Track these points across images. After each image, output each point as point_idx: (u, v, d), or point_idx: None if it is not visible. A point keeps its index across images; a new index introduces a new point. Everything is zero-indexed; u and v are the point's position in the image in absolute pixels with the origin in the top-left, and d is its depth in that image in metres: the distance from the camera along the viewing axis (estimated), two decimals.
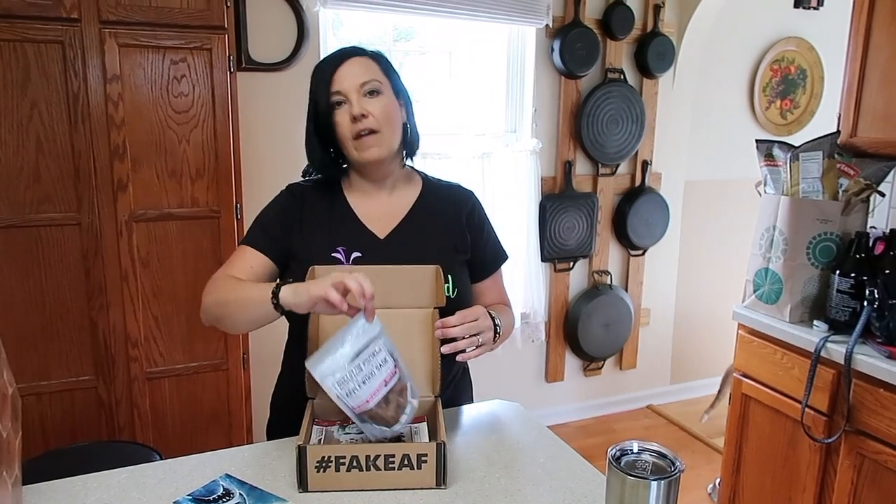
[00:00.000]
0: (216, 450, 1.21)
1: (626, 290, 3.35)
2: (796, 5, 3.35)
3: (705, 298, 3.61)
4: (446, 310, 1.20)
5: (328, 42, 2.60)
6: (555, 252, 3.12)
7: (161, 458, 1.53)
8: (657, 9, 3.05)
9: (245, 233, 1.39)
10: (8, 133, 1.85)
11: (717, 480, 2.80)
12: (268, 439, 1.43)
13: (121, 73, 1.92)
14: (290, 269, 1.32)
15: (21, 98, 1.85)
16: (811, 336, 1.87)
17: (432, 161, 2.75)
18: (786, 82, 3.51)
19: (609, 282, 3.29)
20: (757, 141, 2.10)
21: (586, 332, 3.24)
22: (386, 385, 1.06)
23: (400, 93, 1.34)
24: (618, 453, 0.85)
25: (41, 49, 1.85)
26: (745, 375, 2.14)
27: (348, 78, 1.26)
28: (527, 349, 3.19)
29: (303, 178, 1.44)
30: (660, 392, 3.61)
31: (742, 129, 3.47)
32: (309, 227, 1.34)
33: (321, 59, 1.34)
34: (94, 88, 1.91)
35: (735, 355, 2.18)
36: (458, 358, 1.19)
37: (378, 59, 1.32)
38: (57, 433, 2.04)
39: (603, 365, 3.41)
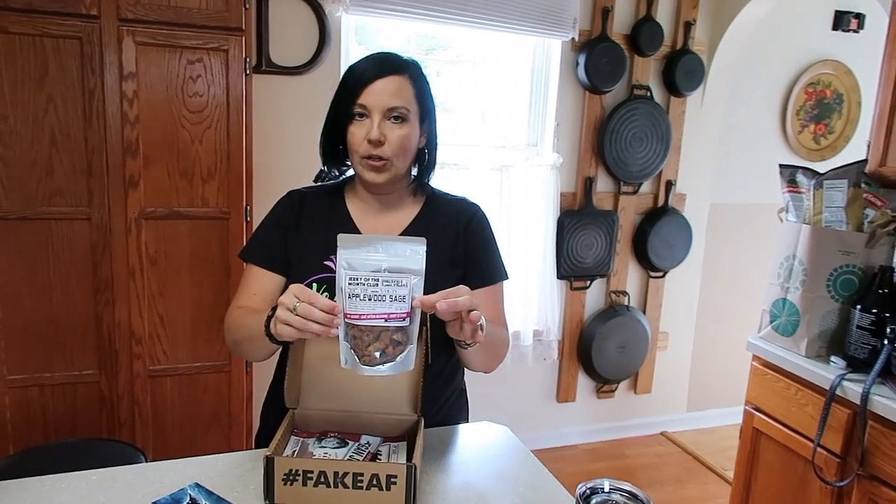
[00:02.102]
0: (215, 453, 1.21)
1: (644, 313, 3.27)
2: (835, 27, 3.27)
3: (726, 325, 3.50)
4: (434, 325, 1.16)
5: (350, 48, 2.59)
6: (571, 270, 3.06)
7: (145, 460, 1.52)
8: (688, 26, 2.99)
9: (248, 240, 1.38)
10: (23, 126, 1.87)
11: None
12: (255, 447, 1.41)
13: (137, 70, 1.93)
14: (288, 278, 1.31)
15: (38, 92, 1.87)
16: (827, 372, 1.78)
17: (449, 171, 2.73)
18: (821, 106, 3.40)
19: (626, 303, 3.21)
20: (780, 166, 2.03)
21: (601, 353, 3.16)
22: (386, 321, 0.96)
23: (425, 119, 1.29)
24: (587, 491, 0.80)
25: (59, 44, 1.87)
26: (756, 409, 2.05)
27: (378, 96, 1.21)
28: (538, 367, 3.13)
29: (309, 185, 1.42)
30: (675, 419, 3.51)
31: (772, 152, 3.37)
32: (304, 233, 1.32)
33: (358, 60, 1.27)
34: (110, 85, 1.92)
35: (748, 387, 2.10)
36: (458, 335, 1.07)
37: (415, 80, 1.26)
38: (58, 426, 2.05)
39: (616, 388, 3.33)
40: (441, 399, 1.35)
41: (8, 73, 1.84)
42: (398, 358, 0.98)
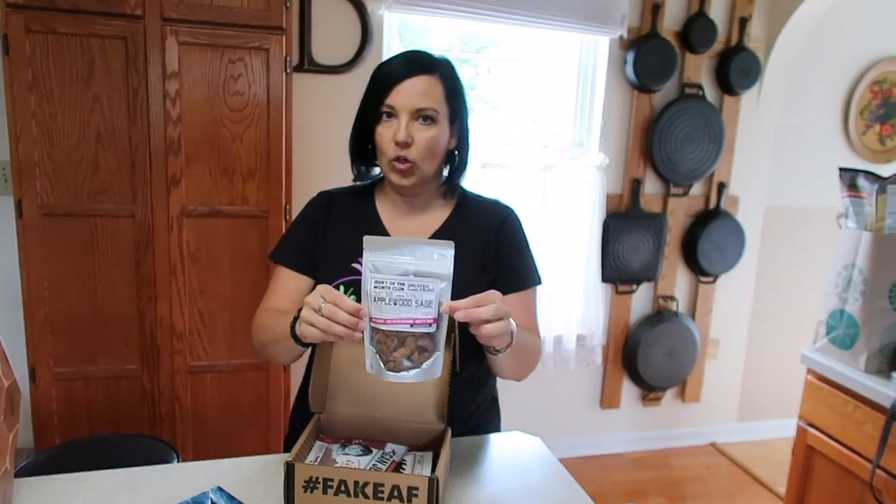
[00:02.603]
0: (252, 452, 1.22)
1: (693, 319, 3.16)
2: None
3: (781, 334, 3.35)
4: (463, 331, 1.12)
5: (392, 46, 2.57)
6: (617, 273, 2.97)
7: (177, 459, 1.52)
8: (743, 21, 2.86)
9: (278, 241, 1.37)
10: (70, 125, 1.91)
11: None
12: (284, 450, 1.40)
13: (179, 70, 1.95)
14: (316, 280, 1.29)
15: (84, 91, 1.90)
16: (888, 389, 1.67)
17: (492, 171, 2.68)
18: (887, 105, 3.22)
19: (675, 308, 3.10)
20: (840, 169, 1.91)
21: (647, 359, 3.07)
22: (411, 326, 0.93)
23: (456, 119, 1.26)
24: None
25: (105, 44, 1.90)
26: (811, 425, 1.94)
27: (406, 96, 1.18)
28: (581, 373, 3.06)
29: (340, 186, 1.40)
30: (725, 429, 3.38)
31: (833, 153, 3.20)
32: (333, 235, 1.30)
33: (388, 58, 1.25)
34: (154, 84, 1.94)
35: (802, 401, 1.99)
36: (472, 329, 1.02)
37: (446, 79, 1.22)
38: (102, 418, 2.09)
39: (663, 395, 3.22)
40: (471, 407, 1.31)
41: (56, 73, 1.88)
42: (424, 365, 0.95)
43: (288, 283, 1.29)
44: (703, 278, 3.14)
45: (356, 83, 2.49)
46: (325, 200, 1.33)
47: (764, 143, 3.09)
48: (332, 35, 2.45)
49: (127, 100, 1.93)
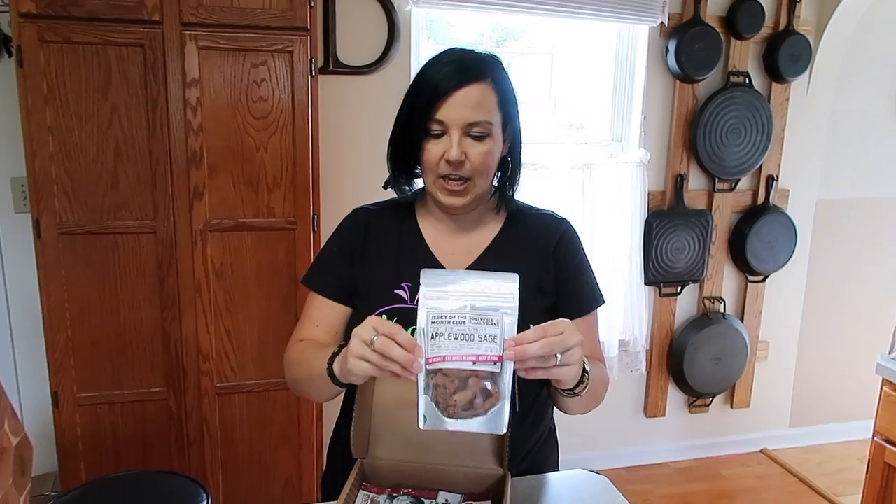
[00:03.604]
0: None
1: (742, 321, 2.99)
2: None
3: (835, 334, 3.17)
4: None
5: (420, 43, 2.44)
6: (661, 275, 2.82)
7: (207, 498, 1.41)
8: (792, 4, 2.69)
9: (311, 265, 1.25)
10: (88, 138, 1.82)
11: None
12: (321, 492, 1.29)
13: (200, 76, 1.84)
14: (356, 310, 1.17)
15: (102, 103, 1.81)
16: None
17: (527, 172, 2.53)
18: None
19: (722, 310, 2.94)
20: None
21: (693, 364, 2.91)
22: (474, 364, 0.83)
23: (508, 123, 1.12)
24: None
25: (122, 52, 1.80)
26: (888, 441, 1.79)
27: (458, 110, 1.05)
28: (625, 380, 2.91)
29: (377, 201, 1.28)
30: (776, 435, 3.21)
31: (889, 141, 3.01)
32: (373, 259, 1.17)
33: (430, 62, 1.10)
34: (174, 93, 1.84)
35: (877, 416, 1.84)
36: (529, 376, 0.89)
37: (497, 83, 1.08)
38: (127, 444, 2.01)
39: (711, 402, 3.06)
40: (528, 445, 1.18)
41: (72, 85, 1.78)
42: (489, 413, 0.84)
43: (323, 312, 1.17)
44: (751, 277, 2.97)
45: (384, 83, 2.37)
46: (363, 220, 1.20)
47: (815, 132, 2.91)
48: (357, 34, 2.33)
49: (146, 110, 1.83)
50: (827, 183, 3.00)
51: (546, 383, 1.08)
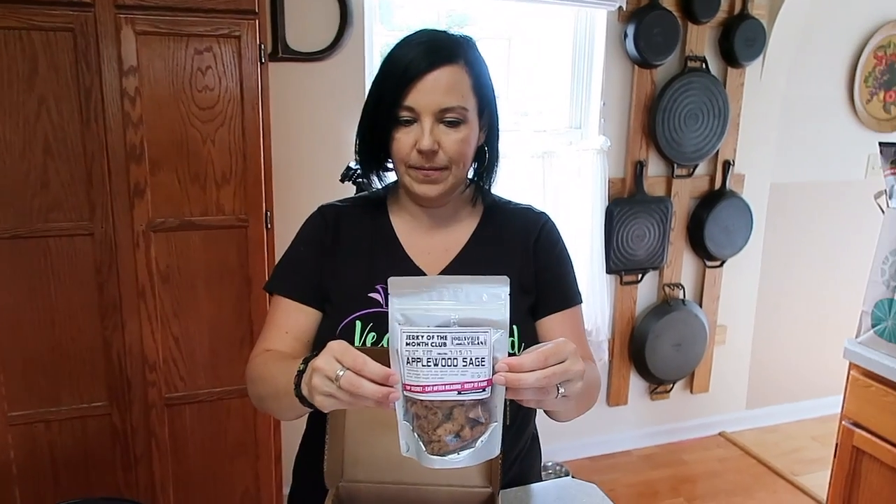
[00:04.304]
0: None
1: (701, 306, 3.00)
2: None
3: (788, 315, 3.22)
4: None
5: (374, 29, 2.33)
6: (622, 263, 2.80)
7: None
8: None
9: (273, 269, 1.14)
10: (13, 133, 1.65)
11: None
12: None
13: (138, 64, 1.69)
14: (326, 316, 1.07)
15: (28, 93, 1.64)
16: None
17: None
18: (891, 71, 3.07)
19: (682, 296, 2.94)
20: (881, 144, 1.75)
21: (654, 351, 2.90)
22: (459, 393, 0.72)
23: (485, 109, 1.03)
24: None
25: (50, 38, 1.63)
26: (856, 425, 1.79)
27: (429, 95, 0.96)
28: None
29: (345, 198, 1.17)
30: (734, 418, 3.25)
31: (839, 125, 3.06)
32: (344, 260, 1.07)
33: (398, 45, 1.01)
34: (109, 82, 1.68)
35: (844, 399, 1.84)
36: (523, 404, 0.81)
37: (472, 66, 1.00)
38: (67, 463, 1.86)
39: (672, 388, 3.07)
40: (512, 455, 1.11)
41: None
42: (478, 442, 0.74)
43: (292, 318, 1.07)
44: (709, 263, 2.98)
45: (337, 70, 2.25)
46: (331, 218, 1.10)
47: (769, 116, 2.93)
48: (308, 18, 2.20)
49: (78, 101, 1.67)
50: (781, 167, 3.03)
51: None
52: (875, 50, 3.01)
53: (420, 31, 1.02)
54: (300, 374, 0.84)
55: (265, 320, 1.12)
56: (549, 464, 2.88)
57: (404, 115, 0.97)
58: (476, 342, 0.72)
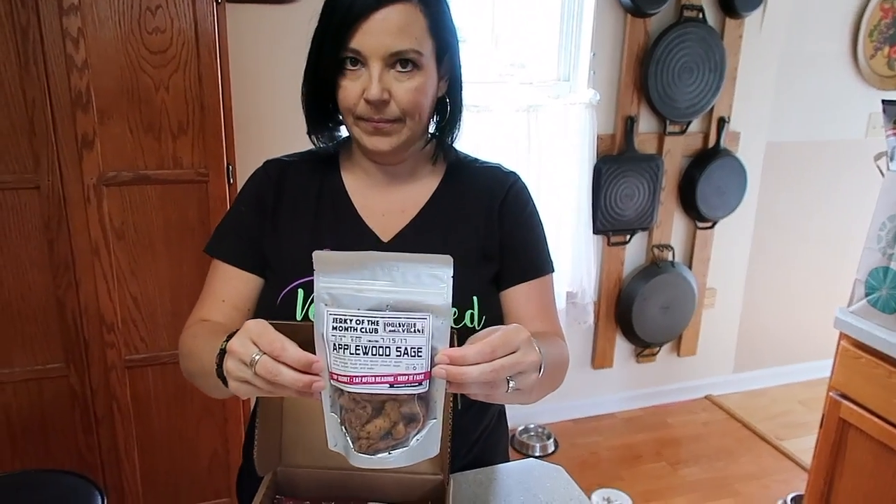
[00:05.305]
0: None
1: (690, 268, 2.91)
2: None
3: (780, 280, 3.14)
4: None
5: None
6: (609, 223, 2.69)
7: (103, 499, 1.22)
8: None
9: (213, 233, 1.03)
10: None
11: (791, 496, 2.42)
12: (237, 489, 1.12)
13: (80, 2, 1.55)
14: (267, 282, 0.97)
15: None
16: None
17: (469, 114, 2.33)
18: None
19: (671, 258, 2.85)
20: (884, 102, 1.63)
21: (642, 314, 2.83)
22: (392, 387, 0.63)
23: (445, 55, 0.91)
24: None
25: None
26: (844, 396, 1.72)
27: (377, 37, 0.84)
28: (572, 333, 2.81)
29: (294, 152, 1.06)
30: (720, 381, 3.20)
31: (841, 81, 2.92)
32: (287, 221, 0.97)
33: None
34: (48, 22, 1.54)
35: (833, 370, 1.76)
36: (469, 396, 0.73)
37: (427, 4, 0.87)
38: (25, 427, 1.78)
39: (658, 351, 3.00)
40: (475, 434, 1.02)
41: None
42: (413, 440, 0.65)
43: (230, 284, 0.97)
44: (700, 224, 2.88)
45: (301, 14, 2.07)
46: (275, 174, 0.99)
47: (767, 71, 2.79)
48: None
49: (14, 42, 1.53)
50: (777, 125, 2.90)
51: None
52: (882, 1, 2.85)
53: None
54: (222, 353, 0.74)
55: (204, 285, 1.02)
56: (532, 426, 2.84)
57: (349, 54, 0.85)
58: (412, 329, 0.63)
